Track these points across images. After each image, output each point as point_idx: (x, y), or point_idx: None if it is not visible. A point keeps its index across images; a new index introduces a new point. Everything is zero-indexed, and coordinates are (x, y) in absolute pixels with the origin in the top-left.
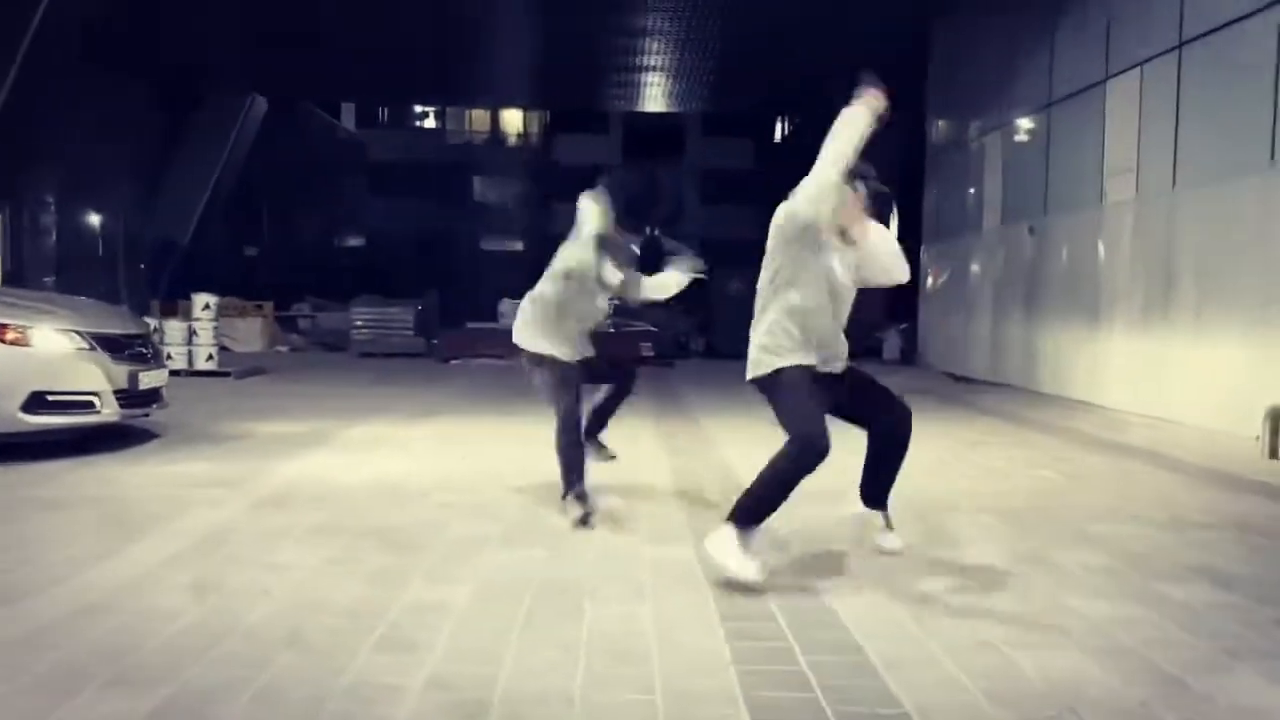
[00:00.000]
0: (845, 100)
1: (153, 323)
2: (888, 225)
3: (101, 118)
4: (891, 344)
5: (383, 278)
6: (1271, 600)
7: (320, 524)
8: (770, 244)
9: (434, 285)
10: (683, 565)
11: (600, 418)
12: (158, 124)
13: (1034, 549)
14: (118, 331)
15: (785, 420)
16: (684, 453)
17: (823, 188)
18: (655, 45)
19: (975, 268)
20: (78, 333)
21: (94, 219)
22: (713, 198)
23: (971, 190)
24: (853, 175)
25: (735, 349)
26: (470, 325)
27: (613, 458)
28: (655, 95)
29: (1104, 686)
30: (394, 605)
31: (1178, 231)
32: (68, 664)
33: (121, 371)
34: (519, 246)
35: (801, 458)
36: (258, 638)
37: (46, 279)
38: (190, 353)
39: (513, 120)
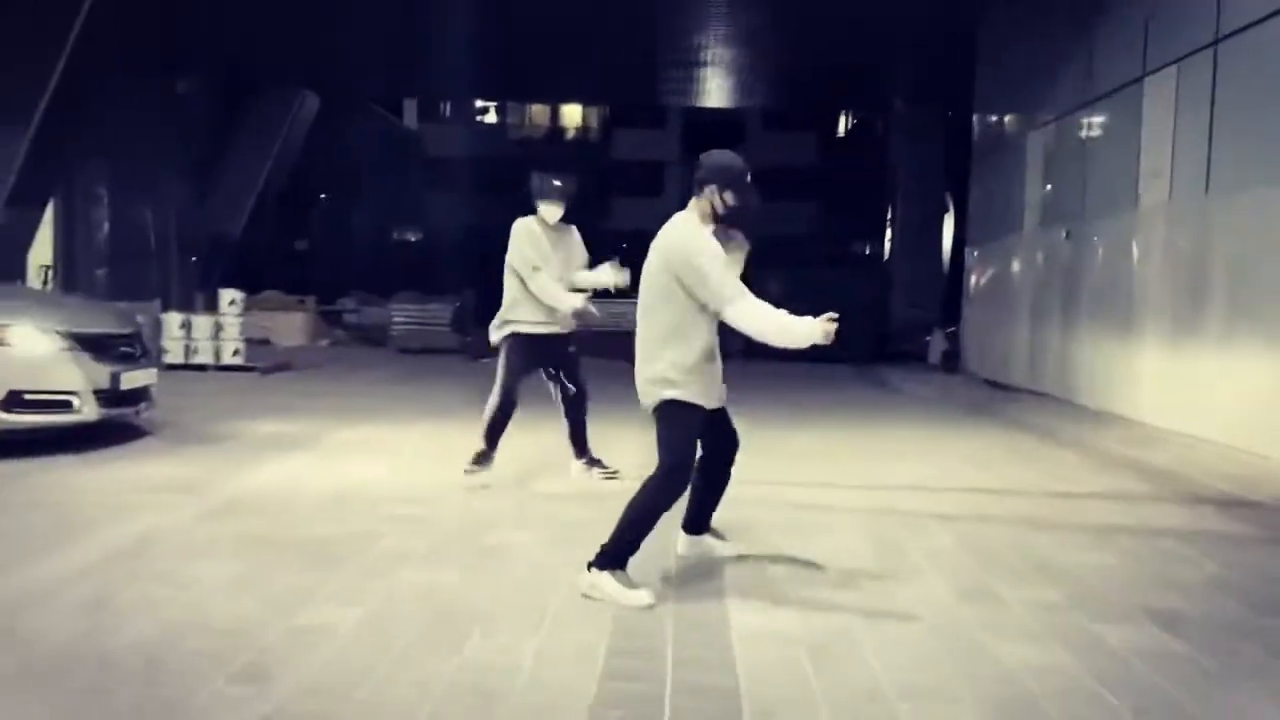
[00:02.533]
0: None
1: (180, 318)
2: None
3: (154, 112)
4: (935, 348)
5: (431, 273)
6: None
7: (254, 534)
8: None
9: (484, 281)
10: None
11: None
12: (211, 119)
13: (982, 584)
14: (101, 330)
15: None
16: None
17: None
18: (713, 39)
19: (1015, 271)
20: (58, 332)
21: (146, 212)
22: (771, 193)
23: (1013, 191)
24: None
25: (777, 350)
26: None
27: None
28: (714, 90)
29: None
30: (276, 628)
31: (1209, 238)
32: None
33: (103, 371)
34: None
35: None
36: (115, 665)
37: (98, 271)
38: (217, 348)
39: (572, 115)
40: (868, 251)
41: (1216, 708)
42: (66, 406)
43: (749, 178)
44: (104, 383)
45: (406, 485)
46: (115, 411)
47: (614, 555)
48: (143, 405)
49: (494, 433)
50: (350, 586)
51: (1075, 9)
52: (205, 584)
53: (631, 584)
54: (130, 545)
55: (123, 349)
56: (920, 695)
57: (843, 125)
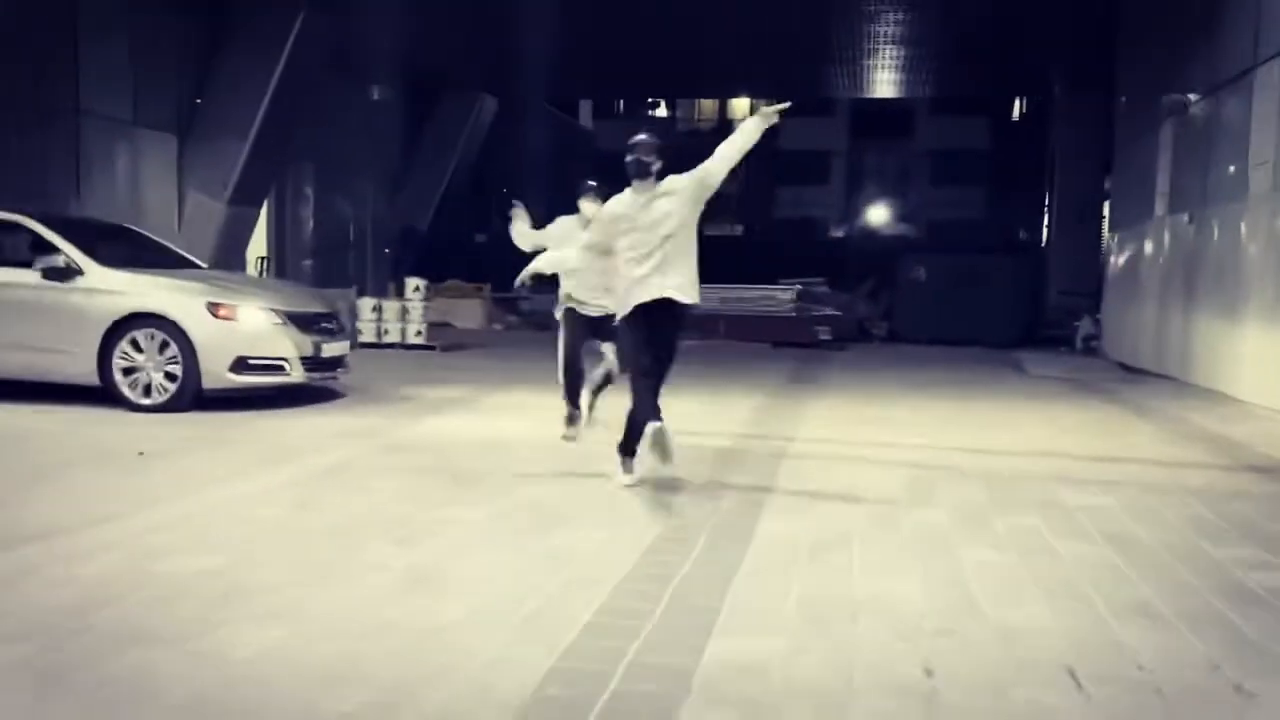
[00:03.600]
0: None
1: (372, 302)
2: None
3: (352, 119)
4: (1082, 332)
5: None
6: None
7: (417, 464)
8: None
9: None
10: (670, 507)
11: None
12: (401, 124)
13: (979, 515)
14: (306, 310)
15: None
16: (765, 423)
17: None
18: (880, 35)
19: (1146, 257)
20: (274, 310)
21: (345, 210)
22: (942, 179)
23: (1148, 177)
24: None
25: (917, 334)
26: None
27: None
28: (881, 82)
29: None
30: (424, 518)
31: None
32: (158, 538)
33: (308, 342)
34: (739, 231)
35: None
36: (308, 532)
37: (305, 262)
38: (403, 329)
39: (740, 107)
40: (1027, 237)
41: (1104, 590)
42: (280, 370)
43: (637, 141)
44: (309, 351)
45: (542, 436)
46: (317, 375)
47: (622, 447)
48: (339, 371)
49: (571, 394)
50: (481, 497)
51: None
52: (378, 494)
53: (627, 469)
54: (324, 469)
55: (324, 325)
56: (877, 572)
57: (1015, 110)
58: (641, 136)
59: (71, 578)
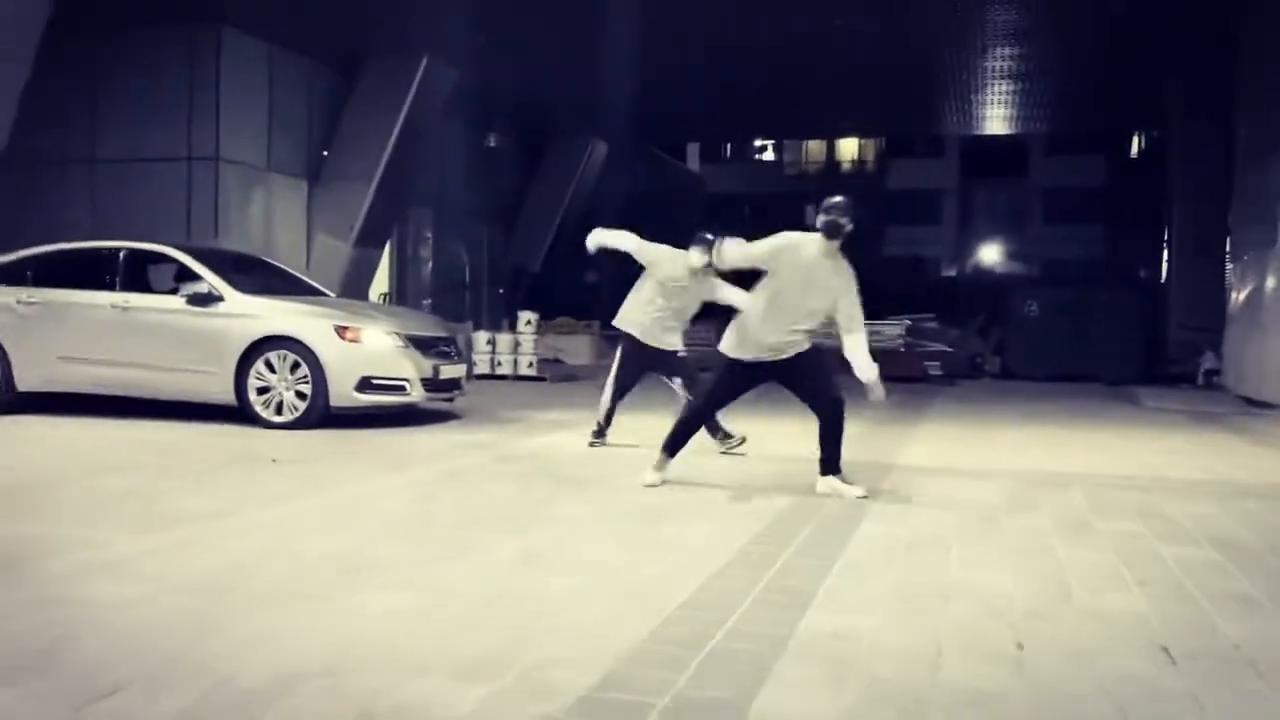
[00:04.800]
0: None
1: (487, 335)
2: None
3: (469, 165)
4: (1204, 367)
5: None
6: None
7: (526, 471)
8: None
9: None
10: (774, 510)
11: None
12: (514, 169)
13: (1082, 521)
14: (426, 334)
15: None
16: (871, 444)
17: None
18: (991, 71)
19: (1269, 287)
20: (396, 334)
21: (462, 251)
22: (1056, 217)
23: (1267, 205)
24: None
25: (1031, 370)
26: None
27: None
28: (994, 118)
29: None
30: (534, 514)
31: None
32: (295, 525)
33: (427, 364)
34: None
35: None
36: (429, 522)
37: (424, 301)
38: (515, 360)
39: (848, 148)
40: (1146, 274)
41: (1203, 583)
42: (401, 390)
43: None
44: (428, 373)
45: (644, 450)
46: (435, 395)
47: (666, 446)
48: (455, 393)
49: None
50: (587, 498)
51: None
52: (492, 493)
53: (660, 468)
54: (442, 473)
55: (441, 348)
56: (973, 566)
57: (1133, 147)
58: (837, 198)
59: (226, 549)
